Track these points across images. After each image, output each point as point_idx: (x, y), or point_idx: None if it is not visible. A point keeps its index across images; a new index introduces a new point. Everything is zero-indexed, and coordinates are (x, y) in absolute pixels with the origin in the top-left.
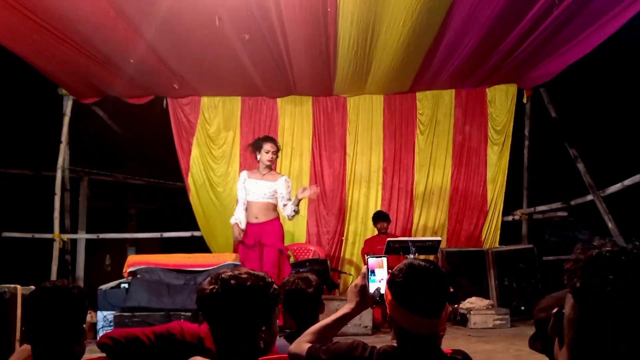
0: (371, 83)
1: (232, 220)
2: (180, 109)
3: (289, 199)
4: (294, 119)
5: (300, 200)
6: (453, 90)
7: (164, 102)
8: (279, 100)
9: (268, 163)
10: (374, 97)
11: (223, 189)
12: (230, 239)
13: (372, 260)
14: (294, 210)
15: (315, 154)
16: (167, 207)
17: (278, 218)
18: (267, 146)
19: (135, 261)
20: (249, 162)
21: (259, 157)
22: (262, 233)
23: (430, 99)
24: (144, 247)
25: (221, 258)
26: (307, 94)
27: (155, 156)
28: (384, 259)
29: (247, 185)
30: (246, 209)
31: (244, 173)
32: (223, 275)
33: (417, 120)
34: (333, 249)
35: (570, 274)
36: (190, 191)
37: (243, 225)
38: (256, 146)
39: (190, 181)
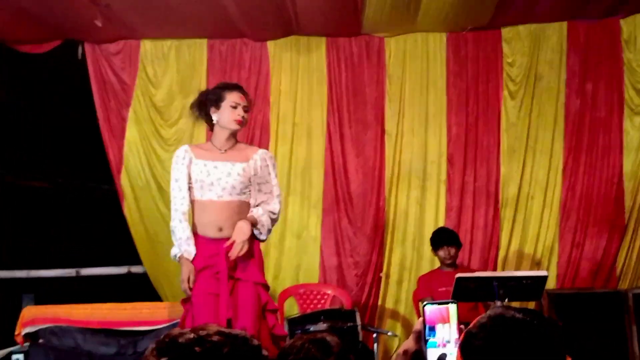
0: (425, 13)
1: (176, 251)
2: (106, 61)
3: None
4: (297, 75)
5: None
6: (564, 24)
7: (79, 50)
8: (270, 44)
9: (237, 126)
10: (431, 36)
11: None
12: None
13: (431, 311)
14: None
15: (332, 134)
16: (86, 225)
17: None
18: (234, 96)
19: (35, 316)
20: None
21: (216, 118)
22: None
23: (526, 38)
24: (49, 292)
25: (177, 310)
26: (318, 33)
27: (66, 142)
28: (452, 308)
29: (195, 171)
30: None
31: (186, 150)
32: (180, 339)
33: (504, 74)
34: (366, 294)
35: None
36: (125, 198)
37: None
38: (212, 99)
39: (124, 181)
